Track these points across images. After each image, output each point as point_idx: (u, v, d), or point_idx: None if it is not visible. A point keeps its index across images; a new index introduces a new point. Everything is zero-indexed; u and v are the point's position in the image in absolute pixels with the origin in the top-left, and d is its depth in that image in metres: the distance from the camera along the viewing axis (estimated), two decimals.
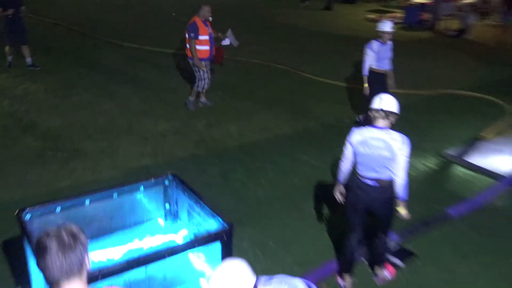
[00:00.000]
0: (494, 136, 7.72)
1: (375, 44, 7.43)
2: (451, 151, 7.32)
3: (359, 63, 12.01)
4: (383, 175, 4.12)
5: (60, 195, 4.24)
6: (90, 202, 4.28)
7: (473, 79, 11.02)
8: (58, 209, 3.96)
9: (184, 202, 4.57)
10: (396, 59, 12.22)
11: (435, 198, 6.08)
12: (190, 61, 8.27)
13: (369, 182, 4.17)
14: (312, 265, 4.81)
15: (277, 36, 14.38)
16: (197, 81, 8.40)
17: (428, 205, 5.90)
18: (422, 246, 5.18)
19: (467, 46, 14.45)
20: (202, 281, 4.34)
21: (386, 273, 4.67)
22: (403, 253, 5.03)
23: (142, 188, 4.56)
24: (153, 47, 12.00)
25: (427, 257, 5.04)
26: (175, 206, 4.75)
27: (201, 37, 8.01)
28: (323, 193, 6.11)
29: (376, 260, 4.67)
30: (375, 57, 7.45)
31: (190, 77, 9.81)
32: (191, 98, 8.63)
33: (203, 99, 8.76)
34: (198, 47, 8.05)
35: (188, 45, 8.12)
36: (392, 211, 4.31)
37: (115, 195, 4.38)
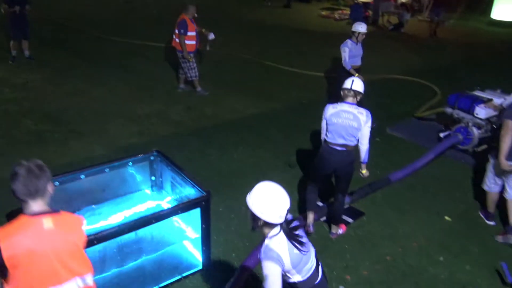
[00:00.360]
0: (427, 114, 7.86)
1: (349, 43, 7.15)
2: (392, 127, 7.43)
3: (315, 53, 12.05)
4: (350, 142, 4.33)
5: (58, 171, 4.09)
6: (85, 176, 4.18)
7: (408, 66, 11.14)
8: (57, 183, 3.84)
9: (168, 175, 4.51)
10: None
11: (379, 166, 6.17)
12: (179, 54, 8.05)
13: (337, 148, 4.35)
14: None
15: (245, 30, 14.15)
16: (187, 71, 8.22)
17: (373, 172, 5.97)
18: (368, 206, 5.28)
19: (403, 38, 14.58)
20: (185, 243, 4.32)
21: (340, 230, 4.75)
22: (352, 212, 5.12)
23: (130, 163, 4.47)
24: (141, 40, 11.64)
25: (372, 215, 5.14)
26: (160, 178, 4.69)
27: (189, 33, 7.83)
28: (285, 163, 6.12)
29: (333, 219, 4.73)
30: (349, 55, 7.13)
31: (173, 67, 9.63)
32: (181, 85, 8.56)
33: (182, 85, 8.60)
34: (186, 41, 7.87)
35: (177, 40, 7.91)
36: (352, 172, 4.50)
37: (107, 170, 4.28)
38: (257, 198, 2.57)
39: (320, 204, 5.09)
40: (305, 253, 2.61)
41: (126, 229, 3.42)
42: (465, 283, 4.16)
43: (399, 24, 15.63)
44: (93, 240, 3.22)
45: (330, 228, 4.79)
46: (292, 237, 2.56)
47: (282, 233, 2.55)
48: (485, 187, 5.00)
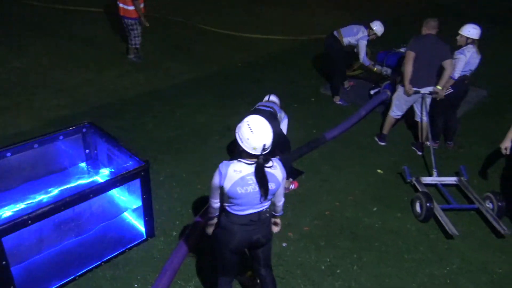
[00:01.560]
0: (358, 73, 8.07)
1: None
2: (325, 87, 7.59)
3: (248, 13, 11.86)
4: None
5: None
6: (12, 154, 3.91)
7: (339, 23, 11.29)
8: None
9: (103, 147, 4.34)
10: (277, 9, 12.24)
11: (314, 125, 6.33)
12: (129, 21, 7.57)
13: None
14: None
15: None
16: (133, 38, 7.80)
17: (309, 132, 6.14)
18: (306, 165, 5.43)
19: None
20: (127, 214, 4.23)
21: (292, 185, 4.93)
22: (292, 172, 5.25)
23: (61, 137, 4.23)
24: (63, 5, 10.77)
25: (310, 173, 5.30)
26: (95, 151, 4.50)
27: None
28: (224, 128, 6.10)
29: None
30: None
31: (105, 34, 9.11)
32: (131, 55, 8.08)
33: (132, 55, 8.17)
34: (132, 7, 7.43)
35: (128, 7, 7.41)
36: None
37: (36, 145, 4.03)
38: (242, 126, 2.72)
39: None
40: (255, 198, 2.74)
41: (62, 206, 3.28)
42: (397, 229, 4.46)
43: None
44: (27, 220, 3.06)
45: None
46: (259, 173, 2.68)
47: (252, 166, 2.69)
48: (391, 113, 5.77)
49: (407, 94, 5.43)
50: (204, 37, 9.74)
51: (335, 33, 6.98)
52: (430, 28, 5.44)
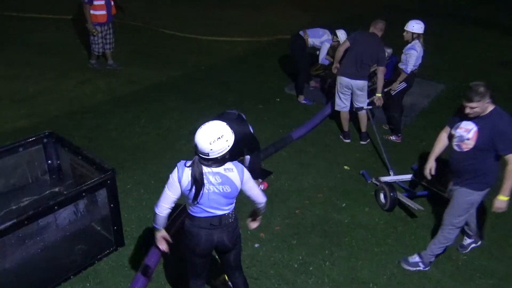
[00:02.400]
0: (322, 71, 8.19)
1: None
2: (290, 86, 7.68)
3: (211, 17, 11.83)
4: None
5: None
6: None
7: (299, 24, 11.45)
8: None
9: (66, 157, 4.23)
10: (237, 11, 12.27)
11: (281, 125, 6.39)
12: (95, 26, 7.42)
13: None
14: None
15: None
16: (91, 45, 7.62)
17: (275, 131, 6.19)
18: (274, 165, 5.48)
19: None
20: (94, 225, 4.14)
21: (261, 186, 4.97)
22: (262, 172, 5.27)
23: (21, 149, 4.09)
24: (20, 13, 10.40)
25: (279, 172, 5.34)
26: (57, 162, 4.37)
27: (96, 2, 7.17)
28: (190, 132, 6.06)
29: (253, 175, 4.84)
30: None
31: (64, 40, 8.87)
32: (92, 61, 7.87)
33: (110, 61, 7.96)
34: (93, 12, 7.23)
35: (90, 12, 7.26)
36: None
37: None
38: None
39: None
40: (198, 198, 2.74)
41: (26, 220, 3.17)
42: (366, 223, 4.57)
43: None
44: None
45: None
46: (194, 173, 2.69)
47: (205, 167, 2.72)
48: (337, 108, 6.03)
49: (333, 72, 6.09)
50: (166, 41, 9.65)
51: (301, 33, 7.11)
52: (376, 28, 5.76)
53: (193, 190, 2.71)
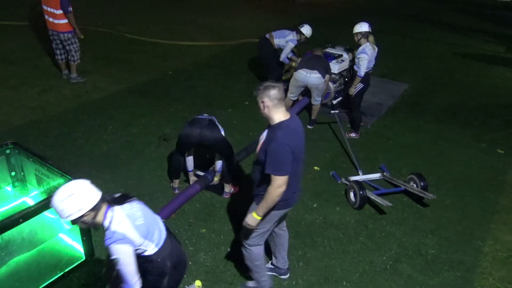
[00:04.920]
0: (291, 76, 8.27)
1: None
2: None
3: (177, 21, 11.74)
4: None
5: None
6: None
7: (267, 28, 11.54)
8: None
9: (30, 167, 4.09)
10: (204, 15, 12.25)
11: (250, 128, 6.40)
12: (65, 35, 7.09)
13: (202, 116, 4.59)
14: (158, 199, 4.77)
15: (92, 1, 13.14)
16: (75, 54, 7.31)
17: (246, 135, 6.20)
18: (245, 167, 5.48)
19: (260, 1, 14.94)
20: (62, 236, 4.03)
21: (232, 189, 4.95)
22: (234, 176, 5.25)
23: None
24: None
25: (250, 176, 5.33)
26: (22, 172, 4.23)
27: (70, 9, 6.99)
28: (160, 137, 6.00)
29: (225, 179, 4.88)
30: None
31: (23, 48, 8.59)
32: (74, 75, 7.54)
33: (66, 71, 7.68)
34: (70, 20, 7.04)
35: (60, 21, 6.97)
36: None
37: None
38: (66, 202, 2.41)
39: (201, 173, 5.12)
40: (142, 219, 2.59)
41: None
42: (337, 223, 4.64)
43: None
44: None
45: (223, 188, 4.94)
46: (120, 201, 2.57)
47: (114, 209, 2.52)
48: (289, 94, 6.51)
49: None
50: (131, 46, 9.52)
51: (267, 35, 7.29)
52: (317, 51, 6.65)
53: (141, 222, 2.59)
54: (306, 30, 7.17)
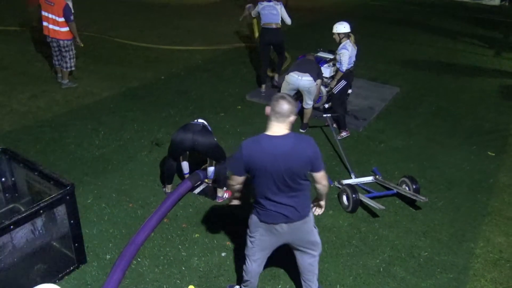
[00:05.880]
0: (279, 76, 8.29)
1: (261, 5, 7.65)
2: (250, 94, 7.71)
3: (167, 25, 11.73)
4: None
5: None
6: None
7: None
8: None
9: (21, 173, 4.04)
10: (195, 20, 12.25)
11: (243, 133, 6.39)
12: (64, 42, 7.08)
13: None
14: (151, 204, 4.74)
15: (87, 5, 13.08)
16: (69, 61, 7.30)
17: (238, 139, 6.18)
18: None
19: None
20: (54, 242, 3.97)
21: (225, 194, 4.91)
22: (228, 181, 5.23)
23: None
24: None
25: None
26: (12, 179, 4.18)
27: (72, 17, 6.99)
28: (152, 141, 5.96)
29: (218, 184, 4.85)
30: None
31: (5, 53, 8.51)
32: (65, 81, 7.52)
33: (65, 80, 7.62)
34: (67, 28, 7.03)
35: (61, 29, 6.97)
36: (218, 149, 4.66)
37: None
38: None
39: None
40: None
41: None
42: (330, 226, 4.63)
43: None
44: None
45: (215, 192, 4.91)
46: None
47: None
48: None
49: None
50: (123, 51, 9.48)
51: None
52: (309, 56, 6.70)
53: None
54: None
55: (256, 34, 8.18)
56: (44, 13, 7.03)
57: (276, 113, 2.96)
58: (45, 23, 7.09)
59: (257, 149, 2.99)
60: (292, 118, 3.02)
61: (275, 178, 2.99)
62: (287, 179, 2.99)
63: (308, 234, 3.31)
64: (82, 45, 7.35)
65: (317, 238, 3.39)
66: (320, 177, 3.13)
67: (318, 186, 3.20)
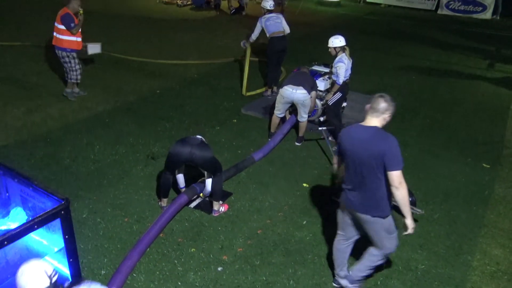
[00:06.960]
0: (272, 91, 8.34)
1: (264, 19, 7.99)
2: (246, 107, 7.74)
3: (161, 40, 11.79)
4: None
5: None
6: None
7: (253, 47, 11.65)
8: None
9: (15, 188, 4.01)
10: (190, 34, 12.34)
11: (239, 146, 6.40)
12: (63, 52, 7.10)
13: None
14: (147, 219, 4.71)
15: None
16: (69, 72, 7.32)
17: (234, 153, 6.19)
18: (235, 186, 5.46)
19: (244, 20, 15.11)
20: (48, 258, 3.93)
21: (222, 208, 4.91)
22: (223, 194, 5.22)
23: None
24: None
25: (239, 193, 5.32)
26: (6, 194, 4.14)
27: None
28: (148, 155, 5.95)
29: (214, 197, 4.84)
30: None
31: (7, 66, 8.51)
32: (68, 90, 7.55)
33: (76, 89, 7.67)
34: (75, 38, 7.06)
35: (61, 37, 7.00)
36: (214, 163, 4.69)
37: None
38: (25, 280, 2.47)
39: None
40: None
41: None
42: (327, 239, 4.62)
43: (240, 8, 16.15)
44: None
45: (212, 206, 4.89)
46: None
47: None
48: (275, 112, 6.54)
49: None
50: (119, 65, 9.51)
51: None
52: (303, 69, 6.77)
53: None
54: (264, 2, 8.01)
55: (247, 68, 8.50)
56: (54, 23, 7.11)
57: (373, 108, 3.42)
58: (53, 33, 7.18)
59: (347, 133, 3.52)
60: (387, 115, 3.44)
61: (352, 162, 3.41)
62: (361, 166, 3.36)
63: (374, 234, 3.59)
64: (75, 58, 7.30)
65: (384, 243, 3.60)
66: (393, 177, 3.27)
67: (392, 189, 3.32)
